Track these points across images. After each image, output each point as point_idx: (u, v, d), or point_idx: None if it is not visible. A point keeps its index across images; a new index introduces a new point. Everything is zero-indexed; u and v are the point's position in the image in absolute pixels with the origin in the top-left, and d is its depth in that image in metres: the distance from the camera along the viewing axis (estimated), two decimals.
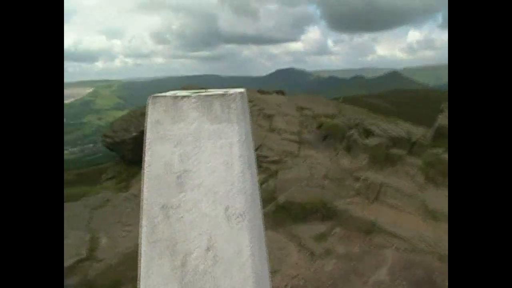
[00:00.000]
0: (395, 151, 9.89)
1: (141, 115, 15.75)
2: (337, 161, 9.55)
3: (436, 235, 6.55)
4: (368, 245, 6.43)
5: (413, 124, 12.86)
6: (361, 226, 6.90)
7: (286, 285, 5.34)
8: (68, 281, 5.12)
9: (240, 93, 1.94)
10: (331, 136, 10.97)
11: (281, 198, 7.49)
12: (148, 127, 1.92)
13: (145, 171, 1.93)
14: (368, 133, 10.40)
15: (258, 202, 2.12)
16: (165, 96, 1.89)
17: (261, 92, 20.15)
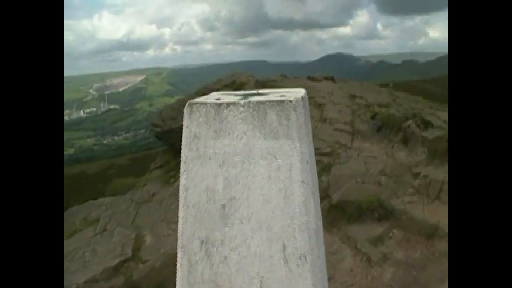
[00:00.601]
0: None
1: None
2: (393, 154, 8.92)
3: None
4: (430, 252, 5.86)
5: None
6: (421, 229, 6.32)
7: None
8: (114, 281, 4.94)
9: (302, 98, 1.51)
10: (386, 127, 10.31)
11: (335, 196, 7.01)
12: (184, 143, 1.53)
13: (181, 198, 1.55)
14: (426, 124, 9.66)
15: (322, 238, 1.70)
16: (206, 103, 1.49)
17: (311, 79, 19.53)
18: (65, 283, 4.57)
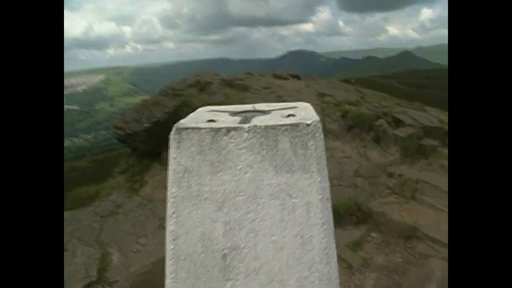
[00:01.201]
0: (427, 141, 9.11)
1: (153, 104, 15.08)
2: (366, 154, 8.80)
3: None
4: (410, 254, 5.72)
5: (443, 111, 12.01)
6: (399, 230, 6.19)
7: None
8: None
9: (318, 121, 1.21)
10: (357, 126, 10.19)
11: None
12: (171, 178, 1.22)
13: (169, 248, 1.23)
14: (397, 122, 9.60)
15: None
16: (198, 128, 1.17)
17: (277, 76, 19.33)
18: None
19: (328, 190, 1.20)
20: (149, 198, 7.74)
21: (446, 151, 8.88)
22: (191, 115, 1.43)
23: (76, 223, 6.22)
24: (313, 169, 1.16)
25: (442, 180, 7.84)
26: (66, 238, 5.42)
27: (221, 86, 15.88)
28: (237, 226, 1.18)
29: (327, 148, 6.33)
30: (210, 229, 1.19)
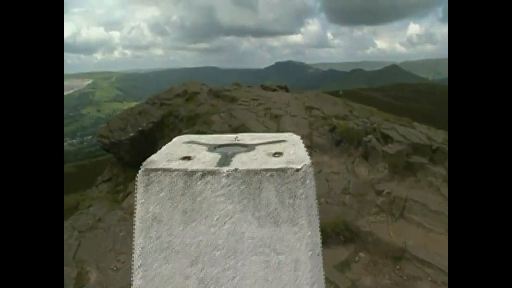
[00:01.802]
0: (415, 158, 9.03)
1: (140, 113, 14.86)
2: (354, 170, 8.69)
3: None
4: (399, 276, 5.58)
5: (431, 127, 11.99)
6: (388, 250, 6.05)
7: None
8: None
9: (310, 165, 1.05)
10: (345, 141, 10.09)
11: None
12: (139, 227, 1.05)
13: None
14: (386, 138, 9.51)
15: None
16: (170, 170, 1.01)
17: (265, 88, 19.26)
18: None
19: (319, 245, 1.04)
20: (131, 211, 7.50)
21: (434, 168, 8.81)
22: (165, 148, 1.26)
23: None
24: (302, 221, 1.00)
25: (430, 198, 7.75)
26: None
27: (208, 96, 15.74)
28: (213, 285, 1.01)
29: (315, 163, 6.19)
30: (182, 286, 1.02)
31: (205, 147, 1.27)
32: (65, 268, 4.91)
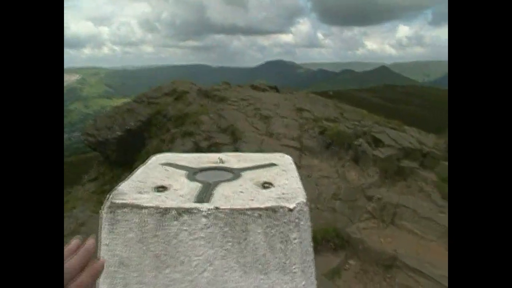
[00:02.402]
0: (406, 163, 8.93)
1: (127, 111, 14.59)
2: (344, 174, 8.56)
3: None
4: (389, 285, 5.45)
5: (422, 131, 11.92)
6: (379, 258, 5.92)
7: None
8: None
9: (305, 203, 0.88)
10: (335, 144, 9.96)
11: None
12: (103, 271, 0.86)
13: None
14: (377, 142, 9.40)
15: None
16: (139, 207, 0.83)
17: (254, 87, 19.06)
18: None
19: None
20: None
21: (424, 173, 8.72)
22: (139, 172, 1.09)
23: None
24: (295, 269, 0.83)
25: (421, 205, 7.65)
26: None
27: (197, 96, 15.50)
28: None
29: (305, 166, 6.06)
30: None
31: (183, 172, 1.10)
32: None
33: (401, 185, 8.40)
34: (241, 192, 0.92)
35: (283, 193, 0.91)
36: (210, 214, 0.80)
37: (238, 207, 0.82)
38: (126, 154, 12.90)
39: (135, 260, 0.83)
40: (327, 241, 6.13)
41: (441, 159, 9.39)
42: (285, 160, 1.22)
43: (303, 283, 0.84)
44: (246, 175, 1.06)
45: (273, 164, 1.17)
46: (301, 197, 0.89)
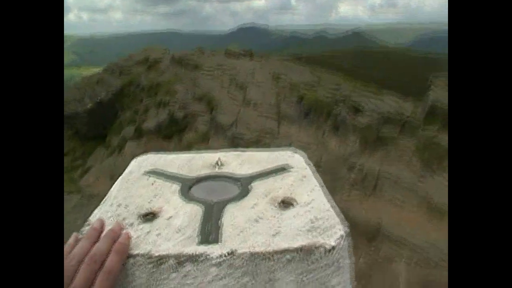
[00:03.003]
0: (386, 131, 8.86)
1: (97, 82, 14.03)
2: (324, 143, 8.43)
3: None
4: (374, 257, 5.41)
5: (400, 96, 11.85)
6: (362, 231, 5.87)
7: None
8: None
9: (346, 236, 0.66)
10: (314, 112, 9.80)
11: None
12: None
13: None
14: (356, 110, 9.28)
15: None
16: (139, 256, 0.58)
17: (229, 54, 18.59)
18: None
19: None
20: (89, 193, 6.98)
21: (403, 141, 8.68)
22: (116, 189, 0.85)
23: None
24: None
25: (401, 174, 7.64)
26: None
27: (171, 64, 15.00)
28: None
29: (282, 135, 5.87)
30: None
31: (175, 185, 0.86)
32: None
33: (381, 153, 8.34)
34: (258, 219, 0.68)
35: (313, 220, 0.68)
36: (223, 262, 0.57)
37: (261, 249, 0.59)
38: (98, 127, 12.46)
39: None
40: None
41: (419, 126, 9.37)
42: (298, 161, 1.00)
43: None
44: (257, 187, 0.83)
45: (285, 168, 0.94)
46: (339, 226, 0.67)
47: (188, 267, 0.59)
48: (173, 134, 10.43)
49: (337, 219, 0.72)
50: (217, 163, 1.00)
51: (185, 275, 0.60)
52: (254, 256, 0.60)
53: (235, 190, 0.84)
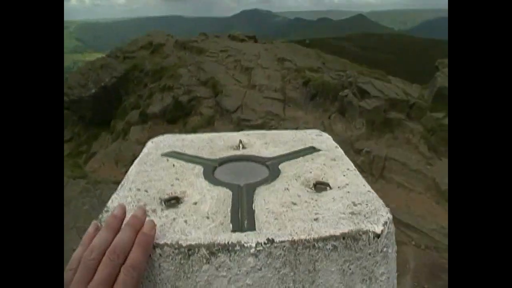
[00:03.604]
0: (393, 114, 8.74)
1: (102, 67, 13.91)
2: (330, 126, 8.35)
3: None
4: None
5: (406, 81, 11.71)
6: None
7: None
8: None
9: (391, 221, 0.58)
10: (320, 95, 9.68)
11: None
12: None
13: None
14: (362, 93, 9.15)
15: None
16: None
17: (233, 37, 18.40)
18: None
19: None
20: (95, 179, 6.94)
21: (411, 124, 8.57)
22: (133, 172, 0.78)
23: None
24: None
25: (408, 157, 7.56)
26: None
27: (174, 48, 14.84)
28: None
29: (288, 118, 5.81)
30: None
31: (198, 168, 0.79)
32: None
33: (388, 137, 8.25)
34: (294, 203, 0.62)
35: (355, 203, 0.62)
36: (261, 251, 0.51)
37: (302, 237, 0.52)
38: (102, 112, 12.38)
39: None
40: None
41: (426, 109, 9.24)
42: (326, 142, 0.93)
43: None
44: (285, 169, 0.76)
45: (313, 148, 0.87)
46: (383, 210, 0.60)
47: (222, 257, 0.53)
48: (178, 119, 10.34)
49: (380, 202, 0.66)
50: (239, 144, 0.94)
51: (218, 267, 0.53)
52: (295, 245, 0.54)
53: (263, 172, 0.78)
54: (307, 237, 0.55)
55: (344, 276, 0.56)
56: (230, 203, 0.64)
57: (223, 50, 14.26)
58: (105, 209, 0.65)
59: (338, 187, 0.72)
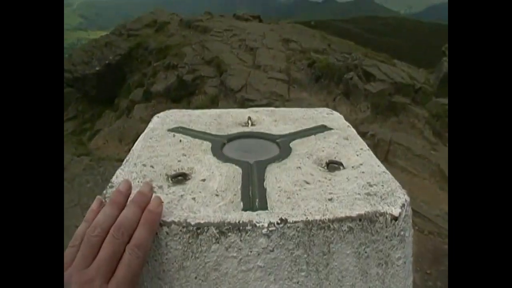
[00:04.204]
0: (398, 98, 8.67)
1: (106, 45, 13.79)
2: (335, 108, 8.26)
3: None
4: None
5: (412, 65, 11.59)
6: None
7: None
8: None
9: (408, 204, 0.56)
10: (325, 77, 9.59)
11: None
12: None
13: None
14: (368, 76, 9.06)
15: None
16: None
17: (237, 17, 18.20)
18: None
19: None
20: (99, 156, 6.93)
21: (416, 109, 8.51)
22: (139, 147, 0.75)
23: None
24: None
25: (413, 142, 7.51)
26: None
27: (179, 27, 14.68)
28: None
29: (293, 100, 5.75)
30: None
31: (205, 144, 0.76)
32: None
33: (393, 121, 8.19)
34: (307, 182, 0.59)
35: (370, 184, 0.58)
36: (273, 232, 0.48)
37: (317, 217, 0.49)
38: (106, 90, 12.31)
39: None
40: None
41: (432, 95, 9.16)
42: (338, 120, 0.90)
43: None
44: (297, 147, 0.73)
45: (325, 127, 0.84)
46: (400, 191, 0.57)
47: (232, 237, 0.50)
48: (182, 98, 10.29)
49: (397, 184, 0.63)
50: (248, 120, 0.90)
51: (228, 247, 0.51)
52: (309, 225, 0.51)
53: (274, 149, 0.75)
54: (322, 218, 0.52)
55: (359, 259, 0.53)
56: (240, 180, 0.61)
57: (228, 29, 14.09)
58: (110, 184, 0.62)
59: (352, 167, 0.69)
